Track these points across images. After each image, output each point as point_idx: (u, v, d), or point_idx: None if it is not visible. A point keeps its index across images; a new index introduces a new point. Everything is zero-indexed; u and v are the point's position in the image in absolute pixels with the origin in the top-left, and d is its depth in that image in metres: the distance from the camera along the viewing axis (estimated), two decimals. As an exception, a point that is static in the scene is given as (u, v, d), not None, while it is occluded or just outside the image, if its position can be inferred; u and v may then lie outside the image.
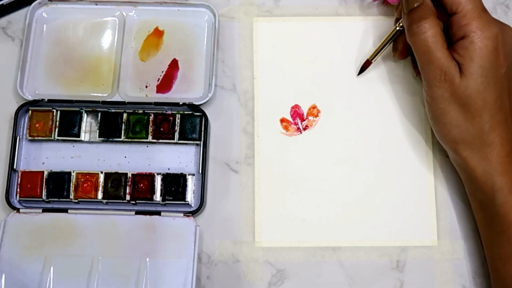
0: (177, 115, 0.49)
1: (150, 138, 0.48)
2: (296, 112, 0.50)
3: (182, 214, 0.47)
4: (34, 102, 0.49)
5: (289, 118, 0.50)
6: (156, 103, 0.49)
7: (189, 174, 0.48)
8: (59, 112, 0.49)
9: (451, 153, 0.45)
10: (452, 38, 0.43)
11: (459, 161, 0.44)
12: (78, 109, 0.49)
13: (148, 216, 0.47)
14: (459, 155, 0.43)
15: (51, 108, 0.49)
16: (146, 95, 0.50)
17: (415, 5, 0.43)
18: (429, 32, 0.42)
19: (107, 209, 0.47)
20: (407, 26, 0.43)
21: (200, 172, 0.47)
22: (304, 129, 0.50)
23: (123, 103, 0.49)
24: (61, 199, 0.47)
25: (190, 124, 0.48)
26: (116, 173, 0.48)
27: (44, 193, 0.47)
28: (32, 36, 0.51)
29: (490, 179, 0.42)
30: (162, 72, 0.50)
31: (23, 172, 0.48)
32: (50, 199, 0.47)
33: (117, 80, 0.50)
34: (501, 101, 0.42)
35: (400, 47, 0.48)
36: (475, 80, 0.41)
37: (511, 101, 0.43)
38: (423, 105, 0.50)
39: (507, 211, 0.41)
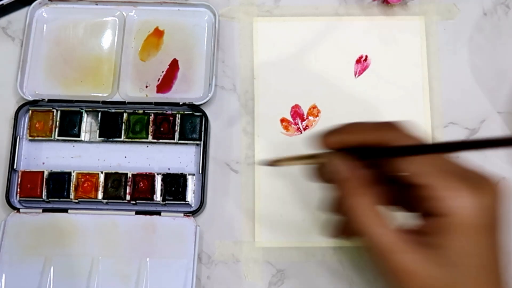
0: (177, 115, 0.49)
1: (150, 138, 0.48)
2: (296, 112, 0.50)
3: (182, 214, 0.47)
4: (34, 102, 0.49)
5: (289, 118, 0.50)
6: (156, 103, 0.49)
7: (189, 174, 0.48)
8: (59, 112, 0.49)
9: None
10: (414, 212, 0.33)
11: None
12: (78, 109, 0.49)
13: (148, 216, 0.47)
14: None
15: (51, 108, 0.49)
16: (146, 95, 0.50)
17: (342, 182, 0.33)
18: (366, 213, 0.32)
19: (107, 209, 0.47)
20: (340, 201, 0.34)
21: (200, 172, 0.47)
22: (304, 129, 0.50)
23: (123, 103, 0.49)
24: (61, 199, 0.47)
25: (190, 124, 0.48)
26: (116, 173, 0.48)
27: (44, 193, 0.47)
28: (32, 36, 0.51)
29: None
30: (162, 72, 0.50)
31: (23, 172, 0.48)
32: (50, 199, 0.47)
33: (117, 80, 0.50)
34: None
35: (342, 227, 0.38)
36: (452, 271, 0.31)
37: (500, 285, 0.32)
38: (423, 105, 0.50)
39: None
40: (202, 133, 0.48)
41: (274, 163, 0.41)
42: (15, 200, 0.48)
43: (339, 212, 0.36)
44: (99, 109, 0.49)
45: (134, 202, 0.47)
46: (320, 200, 0.38)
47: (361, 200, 0.32)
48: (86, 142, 0.49)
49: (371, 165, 0.34)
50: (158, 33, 0.51)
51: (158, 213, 0.47)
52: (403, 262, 0.31)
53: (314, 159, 0.36)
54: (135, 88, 0.50)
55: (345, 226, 0.37)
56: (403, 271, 0.31)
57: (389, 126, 0.33)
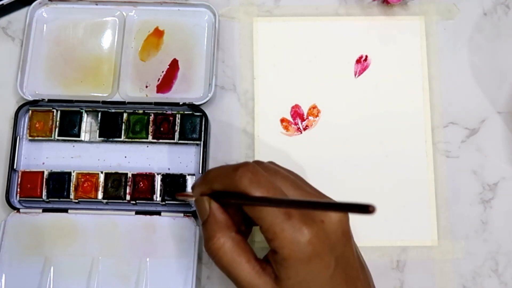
0: (177, 115, 0.49)
1: (150, 138, 0.48)
2: (296, 112, 0.50)
3: (182, 214, 0.47)
4: (34, 102, 0.49)
5: (289, 118, 0.50)
6: (156, 103, 0.49)
7: (189, 174, 0.48)
8: (59, 112, 0.49)
9: None
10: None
11: None
12: (78, 109, 0.49)
13: (148, 216, 0.47)
14: None
15: (51, 108, 0.49)
16: (146, 95, 0.50)
17: (204, 219, 0.38)
18: (224, 249, 0.37)
19: (107, 209, 0.47)
20: (204, 243, 0.38)
21: (200, 172, 0.47)
22: (304, 129, 0.50)
23: (123, 103, 0.49)
24: (61, 199, 0.47)
25: (190, 124, 0.48)
26: (116, 173, 0.48)
27: (44, 193, 0.47)
28: (32, 36, 0.51)
29: None
30: (162, 72, 0.50)
31: (23, 172, 0.48)
32: (50, 199, 0.47)
33: (117, 80, 0.50)
34: None
35: None
36: None
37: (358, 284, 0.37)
38: (423, 105, 0.50)
39: None
40: (202, 133, 0.48)
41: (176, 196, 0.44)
42: (15, 200, 0.48)
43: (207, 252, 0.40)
44: (99, 109, 0.49)
45: (134, 202, 0.47)
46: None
47: (221, 242, 0.37)
48: (86, 142, 0.49)
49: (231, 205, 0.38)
50: (158, 33, 0.51)
51: (158, 213, 0.47)
52: (246, 274, 0.36)
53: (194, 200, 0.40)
54: (135, 88, 0.50)
55: None
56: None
57: (237, 177, 0.36)
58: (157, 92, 0.50)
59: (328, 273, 0.35)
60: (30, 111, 0.49)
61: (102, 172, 0.48)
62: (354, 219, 0.48)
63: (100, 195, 0.47)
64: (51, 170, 0.48)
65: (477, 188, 0.48)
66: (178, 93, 0.50)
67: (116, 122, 0.48)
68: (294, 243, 0.34)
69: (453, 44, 0.51)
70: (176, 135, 0.48)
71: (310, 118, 0.50)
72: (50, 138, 0.48)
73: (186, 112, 0.49)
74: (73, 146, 0.49)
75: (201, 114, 0.48)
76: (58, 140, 0.49)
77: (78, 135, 0.49)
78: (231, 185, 0.36)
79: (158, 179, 0.47)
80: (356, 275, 0.38)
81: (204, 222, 0.38)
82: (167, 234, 0.46)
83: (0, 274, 0.45)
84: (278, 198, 0.36)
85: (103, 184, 0.47)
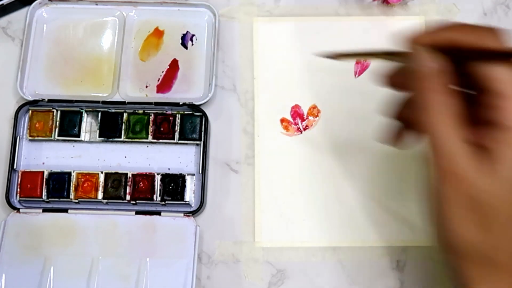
0: (177, 115, 0.49)
1: (150, 138, 0.48)
2: (296, 112, 0.50)
3: (182, 214, 0.47)
4: (34, 102, 0.49)
5: (289, 118, 0.50)
6: (156, 103, 0.49)
7: (189, 174, 0.48)
8: (59, 112, 0.49)
9: (452, 271, 0.33)
10: (476, 122, 0.32)
11: (461, 283, 0.32)
12: (78, 109, 0.49)
13: (148, 216, 0.47)
14: (460, 271, 0.32)
15: (51, 108, 0.49)
16: (146, 95, 0.50)
17: (424, 73, 0.32)
18: (439, 108, 0.31)
19: (107, 209, 0.47)
20: (416, 101, 0.32)
21: (200, 172, 0.47)
22: (304, 129, 0.50)
23: (123, 103, 0.49)
24: (61, 199, 0.47)
25: (190, 124, 0.48)
26: (116, 173, 0.48)
27: (44, 193, 0.47)
28: (32, 36, 0.51)
29: None
30: (162, 72, 0.50)
31: (23, 172, 0.48)
32: (50, 199, 0.47)
33: (117, 80, 0.50)
34: None
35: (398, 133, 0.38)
36: (504, 185, 0.30)
37: None
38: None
39: None
40: (202, 133, 0.48)
41: (339, 56, 0.38)
42: (15, 200, 0.48)
43: (405, 114, 0.36)
44: (99, 109, 0.49)
45: (134, 202, 0.47)
46: (385, 103, 0.38)
47: (439, 97, 0.31)
48: (86, 142, 0.49)
49: (454, 65, 0.32)
50: (158, 33, 0.51)
51: (158, 213, 0.47)
52: (457, 165, 0.30)
53: (394, 56, 0.35)
54: (135, 88, 0.50)
55: (402, 133, 0.38)
56: (454, 174, 0.31)
57: (489, 32, 0.31)
58: (157, 92, 0.50)
59: None
60: (30, 111, 0.49)
61: (102, 172, 0.48)
62: (354, 218, 0.48)
63: (100, 195, 0.47)
64: (51, 170, 0.48)
65: (477, 188, 0.48)
66: (178, 93, 0.50)
67: (116, 122, 0.48)
68: None
69: (453, 44, 0.51)
70: (176, 135, 0.48)
71: (310, 118, 0.50)
72: (50, 138, 0.48)
73: (186, 112, 0.49)
74: (73, 146, 0.49)
75: (201, 114, 0.48)
76: (58, 140, 0.49)
77: (78, 135, 0.49)
78: (471, 39, 0.31)
79: (158, 179, 0.47)
80: None
81: (427, 74, 0.32)
82: (167, 234, 0.46)
83: (0, 274, 0.45)
84: None
85: (103, 184, 0.47)
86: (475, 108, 0.32)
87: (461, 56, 0.32)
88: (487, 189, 0.30)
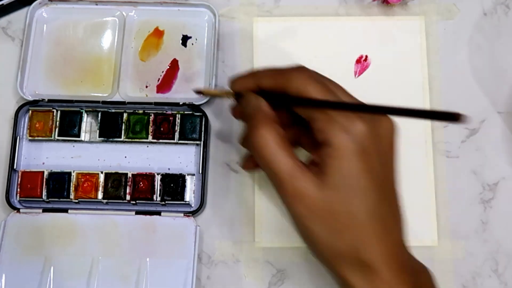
0: (177, 115, 0.49)
1: (150, 138, 0.48)
2: (296, 112, 0.50)
3: (182, 214, 0.47)
4: (34, 102, 0.49)
5: (289, 118, 0.50)
6: (156, 103, 0.49)
7: (189, 174, 0.48)
8: (59, 112, 0.49)
9: (334, 277, 0.37)
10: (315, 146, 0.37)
11: (342, 284, 0.36)
12: (78, 109, 0.49)
13: (148, 216, 0.47)
14: (335, 273, 0.36)
15: (51, 108, 0.49)
16: (146, 95, 0.50)
17: (252, 113, 0.37)
18: (268, 142, 0.35)
19: (107, 209, 0.47)
20: (248, 133, 0.37)
21: (200, 172, 0.47)
22: (304, 129, 0.50)
23: (123, 103, 0.49)
24: (61, 199, 0.47)
25: (190, 124, 0.48)
26: (116, 173, 0.48)
27: (44, 193, 0.47)
28: (32, 36, 0.51)
29: None
30: (162, 72, 0.50)
31: (23, 172, 0.48)
32: (50, 199, 0.47)
33: (117, 80, 0.50)
34: (375, 210, 0.35)
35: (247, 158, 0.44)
36: (338, 192, 0.34)
37: (391, 205, 0.36)
38: (423, 105, 0.50)
39: None
40: (202, 133, 0.48)
41: (199, 92, 0.46)
42: (15, 200, 0.48)
43: (248, 146, 0.40)
44: (99, 109, 0.49)
45: (134, 202, 0.47)
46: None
47: (265, 132, 0.36)
48: (86, 142, 0.49)
49: (278, 106, 0.38)
50: (158, 33, 0.51)
51: (158, 213, 0.47)
52: (297, 187, 0.35)
53: (233, 95, 0.41)
54: (135, 88, 0.50)
55: (254, 159, 0.42)
56: (297, 195, 0.35)
57: (292, 75, 0.37)
58: (157, 92, 0.50)
59: (373, 177, 0.35)
60: (30, 111, 0.49)
61: (102, 172, 0.48)
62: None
63: (100, 195, 0.47)
64: (51, 170, 0.48)
65: (477, 188, 0.48)
66: (178, 93, 0.50)
67: (116, 122, 0.48)
68: (347, 132, 0.34)
69: (453, 44, 0.51)
70: (176, 135, 0.48)
71: (310, 118, 0.50)
72: (50, 138, 0.48)
73: (186, 112, 0.49)
74: (73, 146, 0.49)
75: (201, 114, 0.48)
76: (58, 140, 0.49)
77: (78, 135, 0.49)
78: (283, 83, 0.36)
79: (158, 179, 0.47)
80: (394, 195, 0.37)
81: (250, 116, 0.37)
82: (167, 234, 0.46)
83: (0, 274, 0.45)
84: (342, 102, 0.35)
85: (103, 184, 0.47)
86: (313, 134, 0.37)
87: (279, 101, 0.38)
88: (328, 199, 0.34)
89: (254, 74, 0.39)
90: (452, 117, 0.28)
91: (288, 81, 0.36)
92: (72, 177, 0.47)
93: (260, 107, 0.37)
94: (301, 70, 0.37)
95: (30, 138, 0.49)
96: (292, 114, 0.38)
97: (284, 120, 0.38)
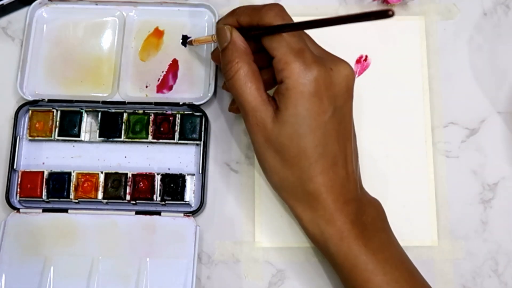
0: (177, 115, 0.49)
1: (150, 138, 0.48)
2: (296, 112, 0.50)
3: (182, 214, 0.47)
4: (34, 102, 0.49)
5: (289, 118, 0.50)
6: (156, 103, 0.49)
7: (189, 174, 0.48)
8: (59, 112, 0.49)
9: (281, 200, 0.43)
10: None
11: (294, 215, 0.42)
12: (78, 109, 0.49)
13: (148, 216, 0.47)
14: (286, 203, 0.41)
15: (51, 108, 0.49)
16: (146, 95, 0.50)
17: (224, 45, 0.40)
18: (239, 73, 0.39)
19: (107, 209, 0.47)
20: (222, 67, 0.41)
21: (200, 172, 0.47)
22: (304, 129, 0.50)
23: (123, 103, 0.49)
24: (61, 199, 0.47)
25: (190, 124, 0.48)
26: (116, 173, 0.48)
27: (44, 193, 0.47)
28: (32, 36, 0.51)
29: (318, 229, 0.40)
30: (162, 72, 0.50)
31: (23, 172, 0.48)
32: (50, 199, 0.47)
33: (117, 80, 0.50)
34: (324, 147, 0.39)
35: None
36: (288, 128, 0.38)
37: (342, 144, 0.40)
38: (423, 105, 0.50)
39: (342, 260, 0.39)
40: (202, 133, 0.48)
41: (190, 43, 0.49)
42: (15, 200, 0.48)
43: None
44: (99, 109, 0.49)
45: (134, 202, 0.47)
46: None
47: (236, 64, 0.39)
48: (86, 142, 0.49)
49: (248, 38, 0.41)
50: (158, 33, 0.51)
51: (158, 213, 0.47)
52: (258, 118, 0.39)
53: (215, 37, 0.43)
54: (135, 88, 0.50)
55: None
56: (257, 125, 0.39)
57: (267, 9, 0.39)
58: (157, 92, 0.50)
59: (323, 118, 0.38)
60: (30, 111, 0.49)
61: (102, 172, 0.48)
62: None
63: (100, 195, 0.47)
64: (51, 170, 0.48)
65: (477, 188, 0.48)
66: (178, 93, 0.50)
67: (116, 122, 0.48)
68: (300, 75, 0.37)
69: (453, 44, 0.51)
70: (176, 135, 0.48)
71: (310, 118, 0.50)
72: (50, 138, 0.49)
73: (186, 112, 0.49)
74: (73, 146, 0.49)
75: (201, 114, 0.48)
76: (58, 140, 0.49)
77: (78, 135, 0.49)
78: (257, 18, 0.39)
79: (158, 179, 0.47)
80: (348, 136, 0.41)
81: (224, 49, 0.40)
82: (167, 234, 0.46)
83: (0, 274, 0.45)
84: (297, 22, 0.37)
85: (103, 184, 0.47)
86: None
87: (253, 35, 0.40)
88: (280, 132, 0.38)
89: (234, 12, 0.41)
90: (384, 14, 0.31)
91: (261, 17, 0.39)
92: (72, 177, 0.47)
93: (232, 38, 0.40)
94: (274, 6, 0.40)
95: (30, 138, 0.49)
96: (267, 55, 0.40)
97: (264, 63, 0.41)
